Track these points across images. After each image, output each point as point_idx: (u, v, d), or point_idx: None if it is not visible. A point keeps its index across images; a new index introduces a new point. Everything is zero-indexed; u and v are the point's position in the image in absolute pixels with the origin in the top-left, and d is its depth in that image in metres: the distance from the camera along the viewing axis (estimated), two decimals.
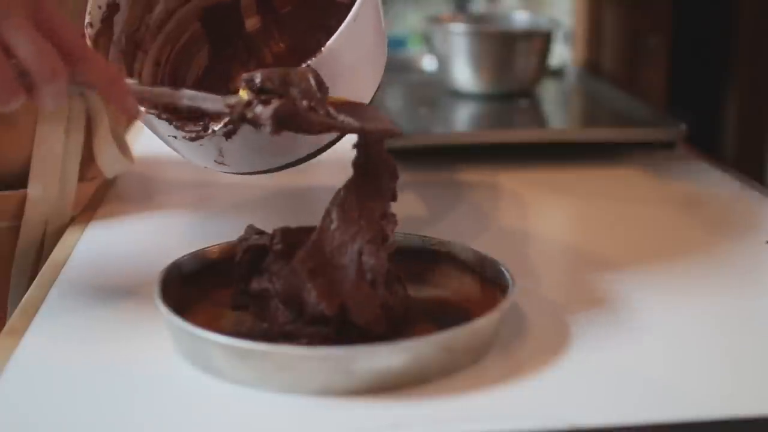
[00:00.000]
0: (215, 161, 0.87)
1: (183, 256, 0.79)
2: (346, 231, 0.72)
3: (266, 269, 0.73)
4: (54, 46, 0.66)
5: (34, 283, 0.87)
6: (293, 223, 0.78)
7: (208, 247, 0.81)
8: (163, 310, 0.71)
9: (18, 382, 0.69)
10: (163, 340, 0.74)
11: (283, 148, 0.87)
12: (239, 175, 0.93)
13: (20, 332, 0.76)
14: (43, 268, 0.91)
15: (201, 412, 0.65)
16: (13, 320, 0.79)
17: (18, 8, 0.65)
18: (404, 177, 1.20)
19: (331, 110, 0.75)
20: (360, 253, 0.71)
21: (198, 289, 0.78)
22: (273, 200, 1.10)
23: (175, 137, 0.85)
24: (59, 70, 0.66)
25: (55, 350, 0.74)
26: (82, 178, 1.04)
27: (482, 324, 0.70)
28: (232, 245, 0.79)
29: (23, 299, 0.84)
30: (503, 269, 0.77)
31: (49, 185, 0.98)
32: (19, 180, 0.98)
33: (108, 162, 1.06)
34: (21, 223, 0.98)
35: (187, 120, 0.84)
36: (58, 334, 0.76)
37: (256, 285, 0.73)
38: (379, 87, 0.93)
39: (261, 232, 0.77)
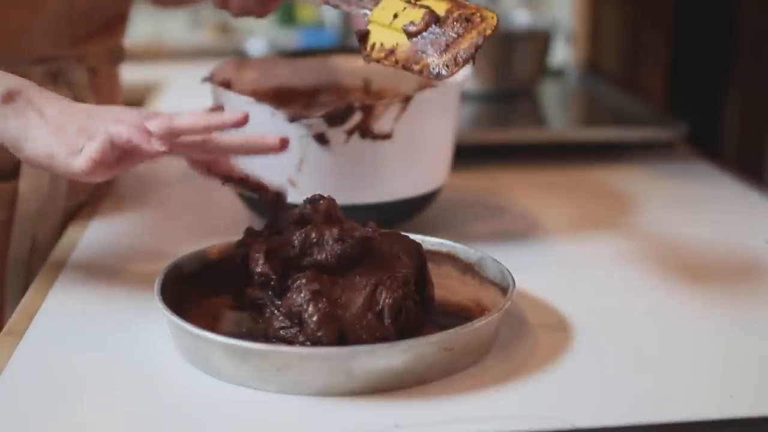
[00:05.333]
0: (289, 180, 0.89)
1: (183, 256, 0.79)
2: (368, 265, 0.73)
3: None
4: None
5: (34, 283, 0.87)
6: None
7: (208, 248, 0.81)
8: (164, 310, 0.71)
9: (18, 382, 0.69)
10: (164, 339, 0.74)
11: (356, 188, 0.90)
12: None
13: (20, 332, 0.76)
14: (43, 267, 0.91)
15: (201, 412, 0.65)
16: (13, 320, 0.79)
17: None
18: None
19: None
20: (376, 285, 0.71)
21: (198, 289, 0.78)
22: None
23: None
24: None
25: (55, 350, 0.74)
26: None
27: (482, 324, 0.70)
28: (232, 246, 0.79)
29: (23, 299, 0.84)
30: (503, 270, 0.77)
31: (40, 177, 0.98)
32: (11, 173, 0.98)
33: None
34: (14, 216, 0.98)
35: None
36: (58, 334, 0.76)
37: (251, 292, 0.73)
38: None
39: (260, 235, 0.77)
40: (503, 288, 0.76)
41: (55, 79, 1.00)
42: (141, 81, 2.01)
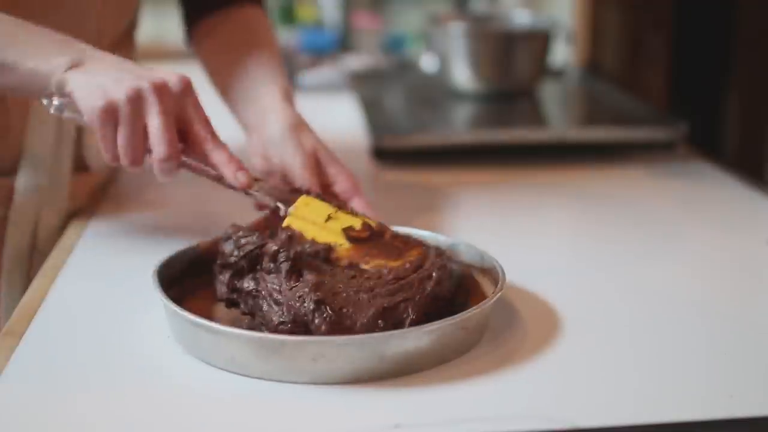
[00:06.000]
0: None
1: (166, 258, 0.79)
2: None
3: (259, 271, 0.74)
4: (184, 132, 0.84)
5: (34, 282, 0.87)
6: None
7: (181, 250, 0.81)
8: (181, 313, 0.70)
9: (18, 382, 0.69)
10: (166, 339, 0.74)
11: None
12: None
13: (20, 332, 0.76)
14: (42, 268, 0.91)
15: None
16: (13, 320, 0.79)
17: (168, 98, 0.81)
18: (404, 177, 1.20)
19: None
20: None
21: (181, 288, 0.79)
22: None
23: None
24: (173, 154, 0.81)
25: (55, 350, 0.74)
26: (79, 170, 1.04)
27: (492, 302, 0.73)
28: (214, 242, 0.80)
29: (23, 299, 0.84)
30: (481, 253, 0.81)
31: (39, 174, 0.98)
32: (9, 169, 0.98)
33: (95, 155, 1.06)
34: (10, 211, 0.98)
35: None
36: (58, 334, 0.76)
37: (247, 284, 0.74)
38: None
39: (242, 229, 0.78)
40: (484, 269, 0.80)
41: None
42: None
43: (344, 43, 2.22)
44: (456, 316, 0.70)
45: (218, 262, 0.77)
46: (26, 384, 0.69)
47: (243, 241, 0.76)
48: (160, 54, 2.16)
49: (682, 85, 1.71)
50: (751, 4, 1.61)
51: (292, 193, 0.85)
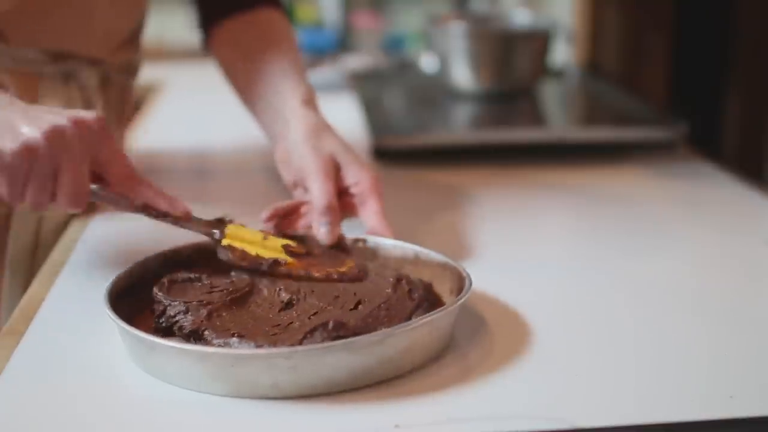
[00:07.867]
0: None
1: (118, 275, 0.78)
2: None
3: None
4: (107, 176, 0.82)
5: (34, 282, 0.87)
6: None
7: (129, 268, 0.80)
8: (207, 349, 0.68)
9: (18, 382, 0.69)
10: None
11: None
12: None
13: (20, 332, 0.76)
14: (43, 267, 0.91)
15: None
16: (13, 320, 0.79)
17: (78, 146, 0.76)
18: (404, 177, 1.20)
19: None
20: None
21: (131, 306, 0.77)
22: (268, 194, 1.10)
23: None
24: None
25: (55, 350, 0.74)
26: None
27: (464, 300, 0.72)
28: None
29: (23, 299, 0.84)
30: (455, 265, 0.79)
31: None
32: None
33: None
34: (12, 212, 0.98)
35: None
36: (57, 334, 0.76)
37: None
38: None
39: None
40: (441, 265, 0.79)
41: (66, 81, 1.00)
42: (142, 81, 2.01)
43: (344, 43, 2.22)
44: (431, 314, 0.69)
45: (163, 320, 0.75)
46: (26, 384, 0.69)
47: (175, 319, 0.74)
48: (161, 54, 2.16)
49: (682, 85, 1.71)
50: (751, 4, 1.61)
51: (217, 223, 0.86)
